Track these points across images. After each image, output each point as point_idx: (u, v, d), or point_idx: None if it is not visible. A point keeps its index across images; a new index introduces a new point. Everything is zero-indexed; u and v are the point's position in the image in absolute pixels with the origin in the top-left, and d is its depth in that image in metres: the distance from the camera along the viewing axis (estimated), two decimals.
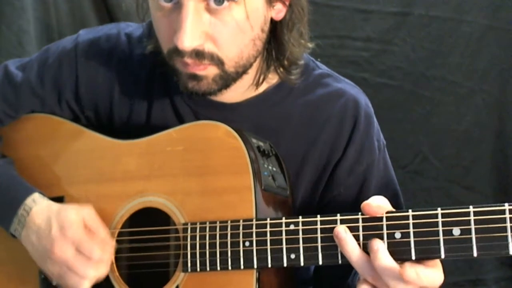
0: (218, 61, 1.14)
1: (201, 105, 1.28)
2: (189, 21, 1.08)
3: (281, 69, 1.25)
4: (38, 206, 1.21)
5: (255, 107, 1.28)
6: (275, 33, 1.22)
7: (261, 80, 1.26)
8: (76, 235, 1.15)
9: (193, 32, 1.09)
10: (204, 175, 1.15)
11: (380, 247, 0.99)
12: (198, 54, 1.12)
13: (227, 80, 1.17)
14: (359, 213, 1.03)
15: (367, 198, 1.23)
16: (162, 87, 1.30)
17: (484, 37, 2.16)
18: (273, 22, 1.21)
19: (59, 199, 1.26)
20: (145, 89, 1.30)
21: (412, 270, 0.97)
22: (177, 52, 1.12)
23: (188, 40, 1.09)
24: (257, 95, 1.29)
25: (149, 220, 1.19)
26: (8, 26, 2.01)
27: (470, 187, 2.22)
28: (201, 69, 1.14)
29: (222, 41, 1.12)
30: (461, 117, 2.20)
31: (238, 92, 1.27)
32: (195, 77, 1.15)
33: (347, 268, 1.06)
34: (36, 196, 1.23)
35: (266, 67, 1.25)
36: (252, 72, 1.24)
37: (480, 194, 2.22)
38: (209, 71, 1.15)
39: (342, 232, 1.01)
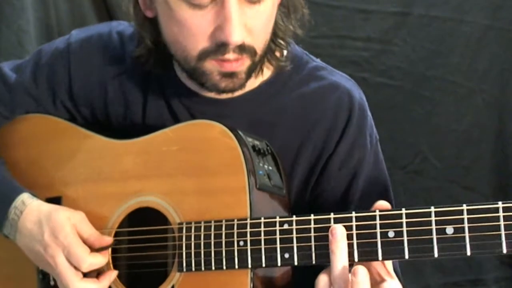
0: (253, 53, 1.13)
1: (195, 102, 1.27)
2: (236, 14, 1.07)
3: (272, 56, 1.24)
4: (28, 209, 1.20)
5: (249, 102, 1.27)
6: None
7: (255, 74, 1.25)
8: (66, 239, 1.15)
9: (240, 25, 1.09)
10: (200, 175, 1.15)
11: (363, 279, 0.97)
12: (241, 48, 1.11)
13: (253, 70, 1.17)
14: (353, 212, 1.01)
15: (355, 192, 1.25)
16: (156, 84, 1.30)
17: (484, 37, 2.16)
18: None
19: (56, 199, 1.26)
20: (139, 85, 1.30)
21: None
22: (219, 49, 1.10)
23: (238, 33, 1.08)
24: (252, 90, 1.28)
25: (146, 219, 1.19)
26: (8, 26, 2.02)
27: (470, 187, 2.22)
28: (239, 65, 1.13)
29: (257, 33, 1.12)
30: (461, 117, 2.21)
31: None
32: (231, 75, 1.14)
33: None
34: (25, 197, 1.22)
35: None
36: None
37: (480, 194, 2.22)
38: (245, 64, 1.14)
39: (339, 234, 0.99)
